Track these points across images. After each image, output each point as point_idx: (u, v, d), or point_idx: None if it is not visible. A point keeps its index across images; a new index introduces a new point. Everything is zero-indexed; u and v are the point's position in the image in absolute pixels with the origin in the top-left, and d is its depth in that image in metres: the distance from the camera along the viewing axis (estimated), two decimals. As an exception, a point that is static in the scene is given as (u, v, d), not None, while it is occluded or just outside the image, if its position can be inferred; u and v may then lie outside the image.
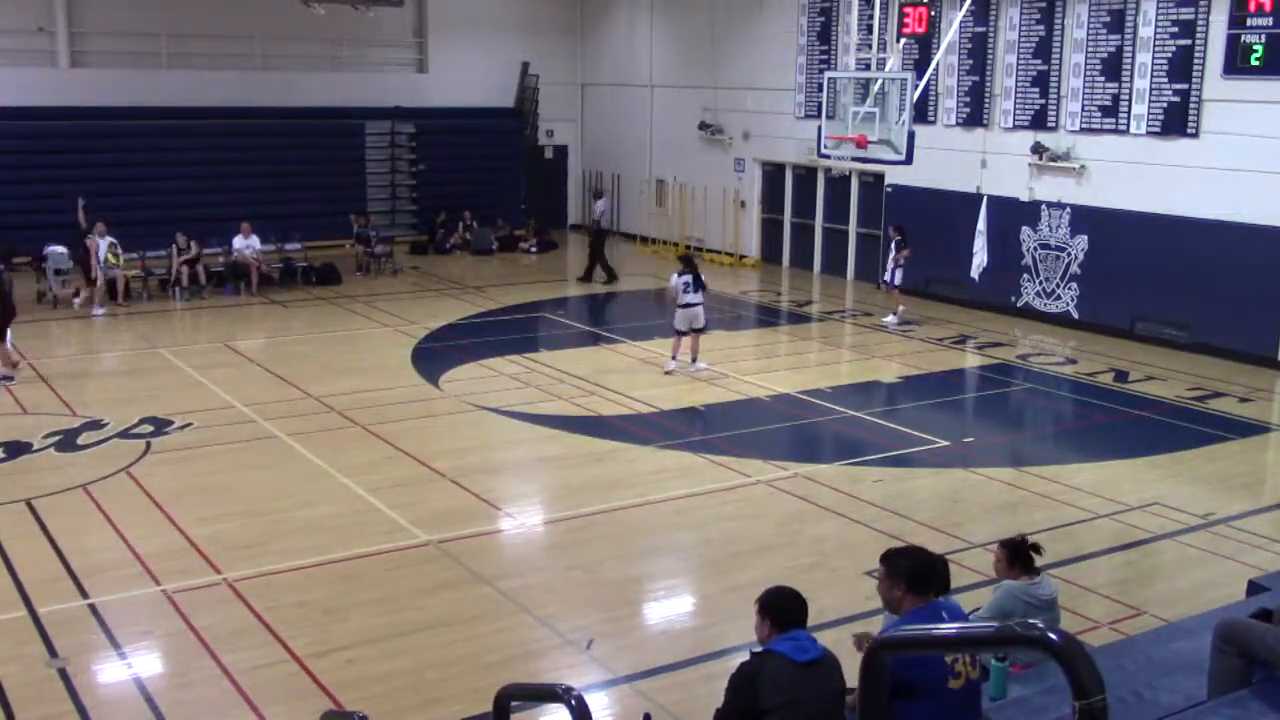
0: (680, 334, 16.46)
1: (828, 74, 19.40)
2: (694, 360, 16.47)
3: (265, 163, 26.42)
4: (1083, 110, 19.49)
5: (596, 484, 12.31)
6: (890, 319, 20.27)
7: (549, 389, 15.90)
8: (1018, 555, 7.06)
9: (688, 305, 16.29)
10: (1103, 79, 19.12)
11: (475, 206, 28.24)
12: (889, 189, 22.99)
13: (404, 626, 8.98)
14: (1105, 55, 19.07)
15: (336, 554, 10.31)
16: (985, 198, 20.65)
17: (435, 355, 17.79)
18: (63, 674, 8.22)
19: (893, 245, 20.61)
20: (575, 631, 8.90)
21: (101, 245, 21.00)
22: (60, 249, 21.16)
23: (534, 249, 28.07)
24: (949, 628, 4.89)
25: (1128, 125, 18.82)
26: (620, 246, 29.35)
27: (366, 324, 20.08)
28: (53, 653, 8.52)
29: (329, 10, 25.17)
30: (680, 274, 16.39)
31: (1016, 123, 20.53)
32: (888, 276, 20.69)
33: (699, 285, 16.33)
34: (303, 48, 27.41)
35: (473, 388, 15.92)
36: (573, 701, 4.86)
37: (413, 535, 10.74)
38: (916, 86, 18.06)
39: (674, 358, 16.52)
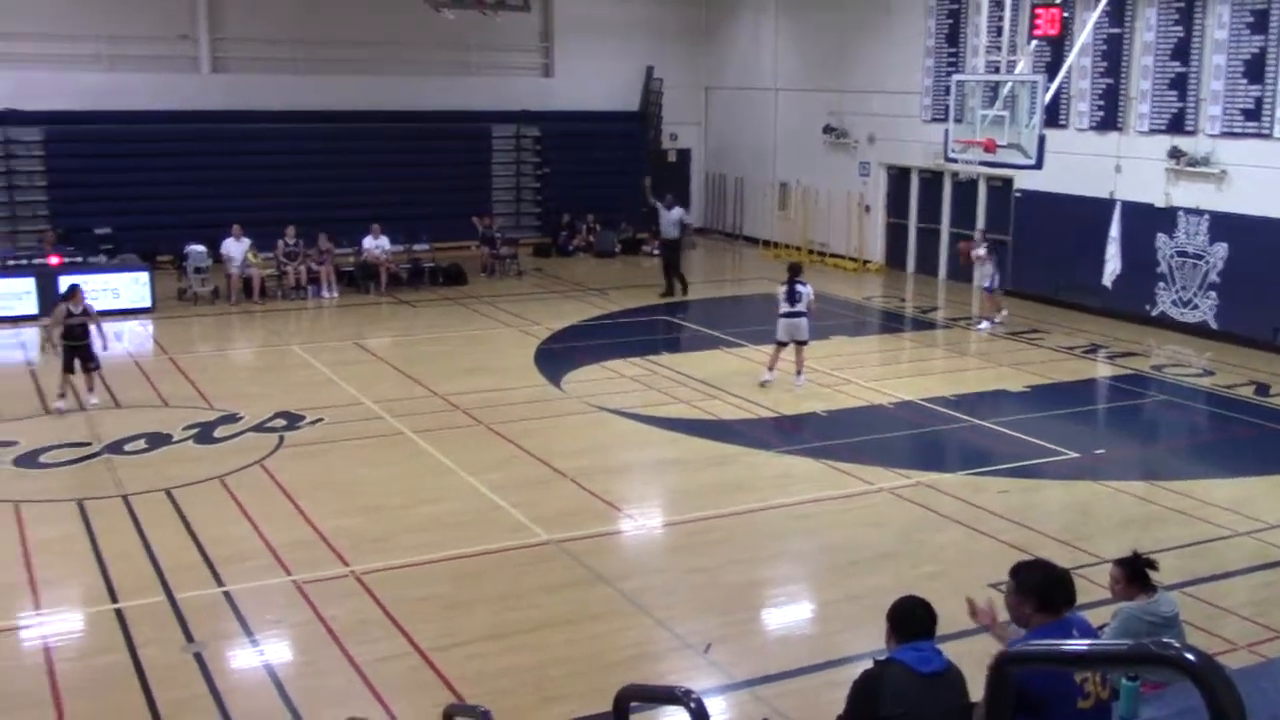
0: (780, 344, 15.98)
1: (956, 77, 19.13)
2: (798, 373, 15.96)
3: (395, 165, 26.97)
4: (1223, 113, 18.84)
5: (717, 487, 12.30)
6: (993, 320, 19.94)
7: (670, 391, 15.94)
8: (1136, 573, 6.86)
9: (789, 315, 15.79)
10: (1245, 81, 18.47)
11: (598, 209, 28.44)
12: (1018, 194, 22.52)
13: (525, 624, 9.10)
14: (1248, 56, 18.41)
15: (460, 550, 10.49)
16: (1119, 203, 20.11)
17: (558, 356, 17.97)
18: (198, 658, 8.52)
19: (984, 249, 20.20)
20: (694, 634, 8.92)
21: (239, 246, 21.69)
22: (200, 247, 21.90)
23: (656, 251, 28.09)
24: (1080, 644, 4.77)
25: (1271, 129, 18.14)
26: (743, 250, 29.31)
27: (491, 324, 20.37)
28: (189, 637, 8.83)
29: (458, 15, 25.58)
30: (784, 282, 15.98)
31: (1153, 126, 19.93)
32: (990, 282, 20.20)
33: (793, 296, 15.70)
34: (432, 53, 27.91)
35: (594, 389, 16.04)
36: (692, 704, 4.86)
37: (534, 534, 10.87)
38: (1048, 89, 17.70)
39: (770, 368, 16.03)
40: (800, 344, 15.93)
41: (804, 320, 15.84)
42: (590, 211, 28.34)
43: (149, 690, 8.05)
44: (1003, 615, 5.60)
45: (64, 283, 20.02)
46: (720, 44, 30.96)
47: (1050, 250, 21.42)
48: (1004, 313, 20.24)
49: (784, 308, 15.79)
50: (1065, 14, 19.31)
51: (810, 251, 27.50)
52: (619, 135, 29.79)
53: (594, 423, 14.67)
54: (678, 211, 23.02)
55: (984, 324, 20.01)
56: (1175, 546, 10.61)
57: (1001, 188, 23.19)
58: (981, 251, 20.28)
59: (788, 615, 9.74)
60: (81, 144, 24.86)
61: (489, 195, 28.67)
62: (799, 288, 15.73)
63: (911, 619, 5.06)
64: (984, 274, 20.11)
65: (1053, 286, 21.59)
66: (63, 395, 14.61)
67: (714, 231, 31.47)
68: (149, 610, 9.23)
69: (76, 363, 14.70)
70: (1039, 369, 17.38)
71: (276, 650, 8.80)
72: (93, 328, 14.86)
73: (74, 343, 14.72)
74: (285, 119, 26.34)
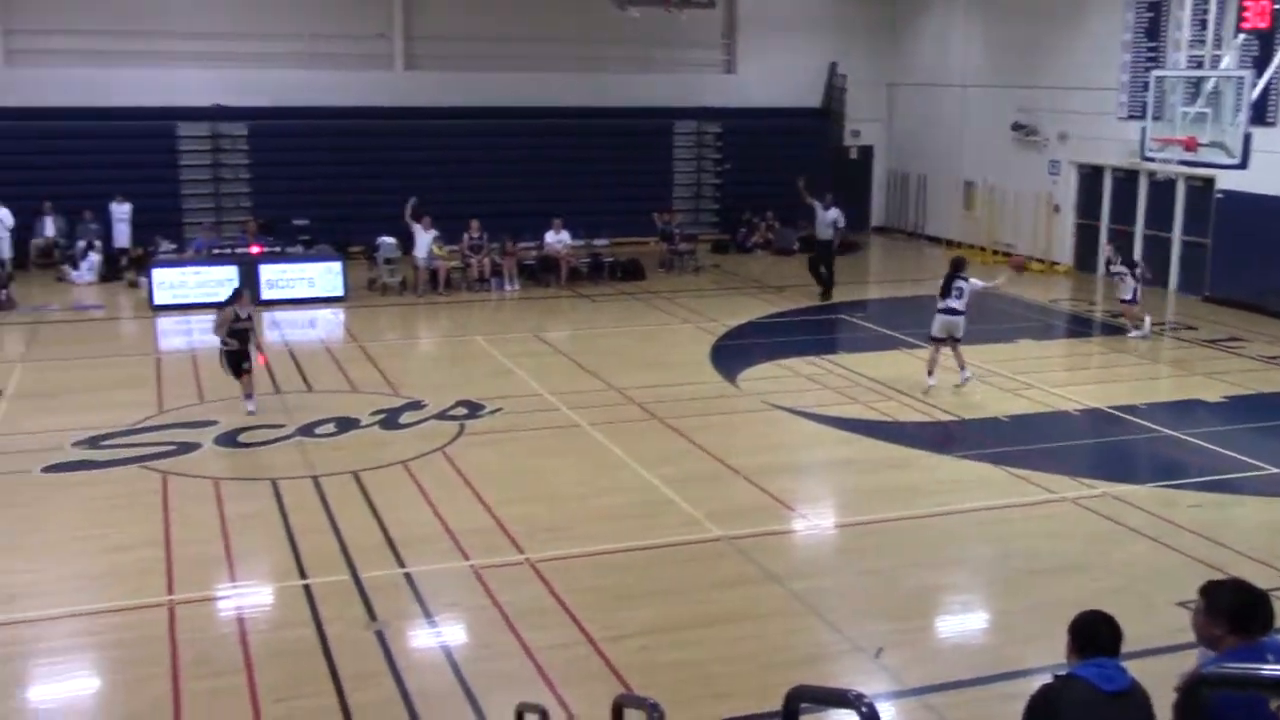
0: (936, 341, 15.61)
1: (1156, 72, 18.37)
2: (961, 368, 15.55)
3: (578, 160, 27.39)
4: None
5: (892, 490, 12.13)
6: (1140, 330, 19.08)
7: (846, 391, 15.77)
8: None
9: (947, 311, 15.42)
10: None
11: (778, 206, 28.27)
12: (1220, 194, 21.49)
13: (695, 619, 9.14)
14: None
15: (632, 542, 10.60)
16: (1332, 206, 18.99)
17: (734, 353, 17.96)
18: (380, 636, 8.82)
19: (1122, 263, 19.43)
20: (865, 638, 8.81)
21: (426, 236, 22.32)
22: (391, 240, 22.65)
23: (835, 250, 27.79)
24: (1281, 669, 4.53)
25: None
26: (925, 250, 28.76)
27: (668, 319, 20.49)
28: (372, 615, 9.16)
29: (643, 13, 25.79)
30: (945, 276, 15.61)
31: (1372, 124, 18.76)
32: (1131, 295, 19.17)
33: (947, 291, 15.33)
34: (617, 50, 28.20)
35: (770, 386, 15.97)
36: (864, 709, 4.79)
37: (706, 529, 10.89)
38: (1255, 85, 16.84)
39: (930, 373, 15.59)
40: (955, 341, 15.57)
41: (962, 319, 15.48)
42: (770, 208, 28.20)
43: (333, 664, 8.38)
44: None
45: (264, 275, 21.27)
46: (906, 39, 30.43)
47: (1254, 254, 20.37)
48: (1146, 322, 19.24)
49: (941, 303, 15.48)
50: (1276, 5, 18.34)
51: (995, 252, 26.82)
52: (800, 132, 29.56)
53: (768, 421, 14.62)
54: (834, 212, 22.27)
55: (1134, 331, 19.09)
56: (1385, 571, 9.99)
57: (1202, 188, 22.17)
58: (1119, 266, 19.38)
59: (962, 623, 9.55)
60: (282, 139, 26.06)
61: (670, 191, 28.86)
62: (959, 283, 15.37)
63: (1095, 634, 4.87)
64: (1125, 288, 19.19)
65: (1255, 292, 20.54)
66: (250, 395, 14.53)
67: (895, 230, 30.97)
68: (335, 587, 9.61)
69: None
70: (1238, 379, 16.55)
71: (453, 632, 9.06)
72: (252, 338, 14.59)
73: (235, 347, 14.45)
74: (472, 115, 27.02)
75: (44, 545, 10.54)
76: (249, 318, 14.61)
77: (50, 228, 24.33)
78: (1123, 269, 19.35)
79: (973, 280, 15.57)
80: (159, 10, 25.30)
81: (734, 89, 29.55)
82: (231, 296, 14.85)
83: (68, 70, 24.80)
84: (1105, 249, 20.58)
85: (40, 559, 10.24)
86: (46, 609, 9.25)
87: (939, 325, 15.61)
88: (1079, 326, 21.04)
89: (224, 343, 14.46)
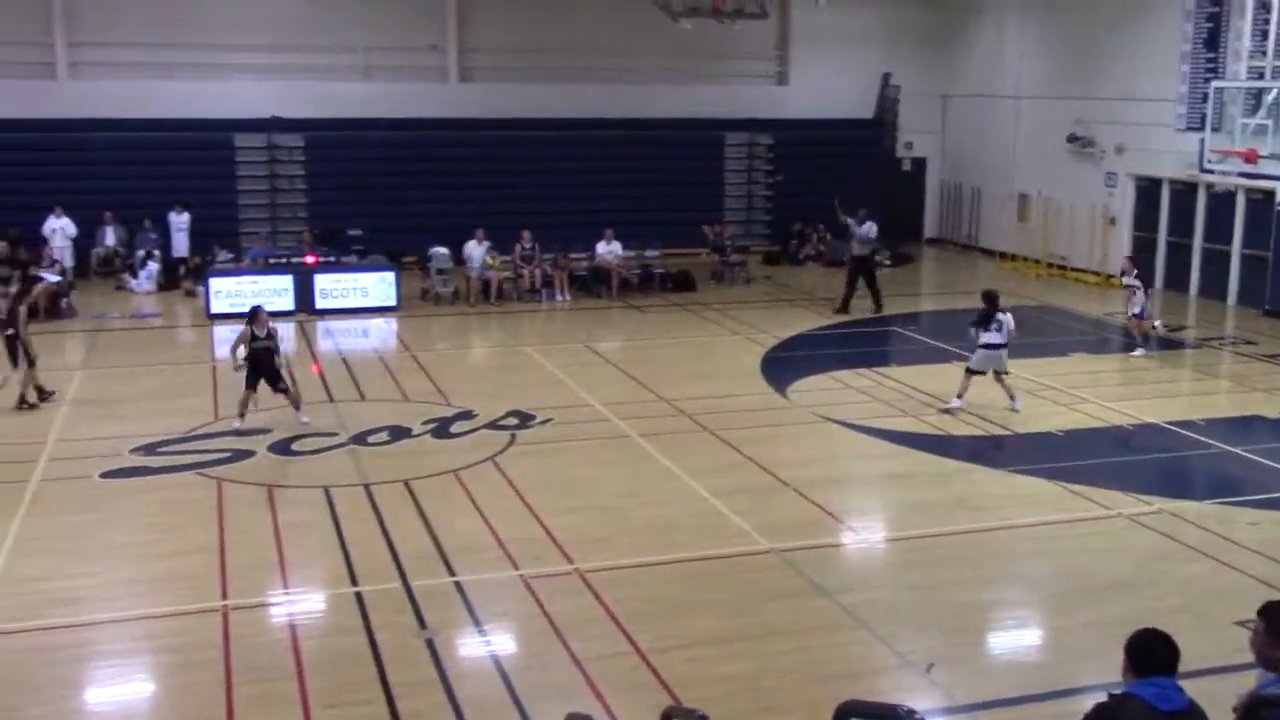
0: (972, 373, 15.23)
1: (1215, 83, 18.15)
2: (1011, 398, 15.12)
3: (630, 171, 27.47)
4: None
5: (943, 504, 12.02)
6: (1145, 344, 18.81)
7: (898, 404, 15.67)
8: None
9: (990, 346, 15.05)
10: None
11: (830, 218, 28.12)
12: (1281, 207, 21.17)
13: (744, 631, 9.10)
14: None
15: (681, 554, 10.57)
16: (1397, 219, 18.64)
17: (784, 364, 17.90)
18: (430, 644, 8.86)
19: (1137, 276, 18.93)
20: (915, 653, 8.73)
21: (479, 249, 22.48)
22: (443, 250, 22.83)
23: (888, 262, 27.64)
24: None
25: None
26: (978, 263, 28.54)
27: (719, 331, 20.47)
28: (422, 624, 9.21)
29: (695, 25, 25.82)
30: (981, 312, 15.24)
31: None
32: (1140, 310, 18.70)
33: (985, 323, 14.97)
34: (669, 61, 28.27)
35: (820, 399, 15.90)
36: (914, 724, 4.78)
37: (755, 541, 10.85)
38: (1319, 96, 16.63)
39: (960, 395, 15.22)
40: (1000, 375, 15.22)
41: (1004, 352, 15.15)
42: (821, 220, 28.06)
43: (383, 671, 8.43)
44: None
45: (319, 284, 21.48)
46: (959, 50, 30.24)
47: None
48: (1157, 323, 19.01)
49: (982, 337, 15.11)
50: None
51: (1049, 265, 26.57)
52: (852, 143, 29.47)
53: (819, 433, 14.56)
54: (868, 226, 22.03)
55: (1139, 351, 18.76)
56: None
57: (1262, 200, 21.81)
58: (1133, 279, 18.98)
59: (1014, 639, 9.44)
60: (337, 150, 26.36)
61: (721, 203, 28.86)
62: (1000, 316, 15.05)
63: (1152, 653, 4.81)
64: (1135, 303, 18.80)
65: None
66: (242, 416, 14.28)
67: (948, 242, 30.77)
68: (386, 595, 9.67)
69: (261, 382, 14.29)
70: (1299, 395, 16.27)
71: (502, 641, 9.09)
72: (277, 355, 14.49)
73: (258, 366, 14.29)
74: (526, 126, 27.19)
75: (101, 550, 10.71)
76: (268, 336, 14.43)
77: (110, 237, 24.76)
78: (1136, 283, 18.95)
79: (1008, 315, 15.24)
80: (217, 24, 25.70)
81: (786, 100, 29.53)
82: (249, 315, 14.65)
83: (128, 83, 25.26)
84: (1124, 262, 20.23)
85: (98, 563, 10.40)
86: (103, 613, 9.39)
87: (981, 360, 15.23)
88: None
89: (241, 361, 14.33)
